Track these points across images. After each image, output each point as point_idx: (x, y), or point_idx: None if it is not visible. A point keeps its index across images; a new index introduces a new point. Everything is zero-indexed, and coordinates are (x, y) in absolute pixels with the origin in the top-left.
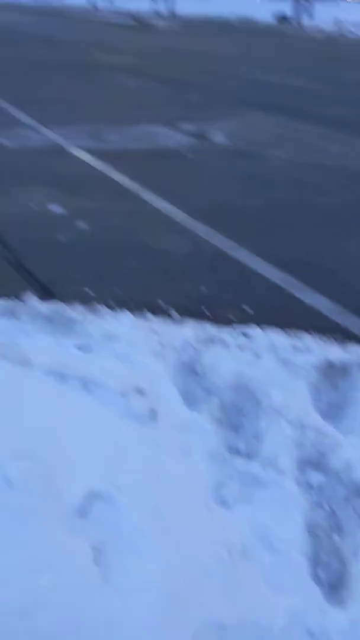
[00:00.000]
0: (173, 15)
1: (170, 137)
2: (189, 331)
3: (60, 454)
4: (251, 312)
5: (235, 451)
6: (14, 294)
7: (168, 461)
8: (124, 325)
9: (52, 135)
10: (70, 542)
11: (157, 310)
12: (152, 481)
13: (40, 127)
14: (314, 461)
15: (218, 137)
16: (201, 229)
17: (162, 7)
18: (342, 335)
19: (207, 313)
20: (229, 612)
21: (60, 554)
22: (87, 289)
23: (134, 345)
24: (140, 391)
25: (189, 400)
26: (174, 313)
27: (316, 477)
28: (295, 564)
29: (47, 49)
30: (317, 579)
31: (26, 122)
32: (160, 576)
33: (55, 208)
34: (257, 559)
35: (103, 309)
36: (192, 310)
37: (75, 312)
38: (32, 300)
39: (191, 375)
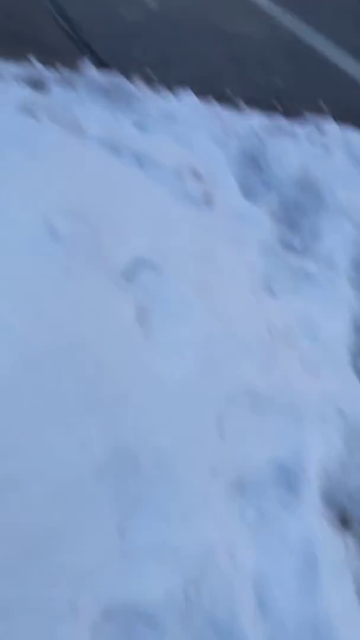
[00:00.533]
0: None
1: None
2: (256, 120)
3: (110, 219)
4: (326, 108)
5: (289, 246)
6: (72, 66)
7: (218, 246)
8: (185, 106)
9: None
10: (115, 300)
11: (223, 99)
12: (200, 260)
13: None
14: None
15: None
16: (282, 16)
17: None
18: None
19: (279, 106)
20: (263, 383)
21: (104, 308)
22: (149, 70)
23: (194, 129)
24: (196, 174)
25: (248, 191)
26: (242, 103)
27: None
28: (336, 354)
29: None
30: (356, 370)
31: None
32: (201, 342)
33: None
34: (298, 345)
35: (164, 90)
36: (263, 101)
37: (134, 88)
38: (91, 72)
39: (253, 166)
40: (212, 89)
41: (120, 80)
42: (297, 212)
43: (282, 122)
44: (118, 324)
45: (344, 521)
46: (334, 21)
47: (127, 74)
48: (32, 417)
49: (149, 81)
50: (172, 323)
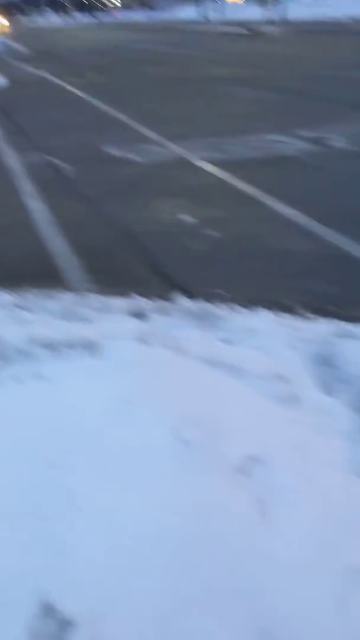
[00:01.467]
0: (285, 21)
1: (289, 145)
2: (323, 326)
3: (221, 424)
4: None
5: None
6: (156, 294)
7: (312, 438)
8: (261, 320)
9: (176, 149)
10: (237, 493)
11: (289, 309)
12: (300, 453)
13: (165, 141)
14: None
15: (338, 142)
16: (325, 232)
17: (273, 14)
18: None
19: (338, 311)
20: None
21: (229, 500)
22: (221, 291)
23: (272, 338)
24: (282, 378)
25: (326, 388)
26: (305, 311)
27: None
28: None
29: (163, 65)
30: None
31: (152, 137)
32: (313, 526)
33: (186, 217)
34: None
35: (241, 308)
36: (323, 308)
37: (219, 309)
38: (182, 300)
39: (327, 366)
40: (276, 300)
41: (204, 304)
42: None
43: (345, 325)
44: (242, 514)
45: None
46: None
47: (209, 297)
48: (187, 603)
49: (223, 300)
50: (286, 510)
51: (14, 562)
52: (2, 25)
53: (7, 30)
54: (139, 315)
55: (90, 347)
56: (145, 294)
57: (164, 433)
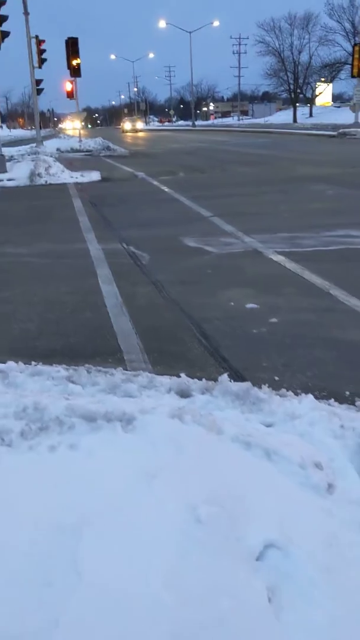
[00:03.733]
0: None
1: None
2: None
3: (242, 505)
4: None
5: None
6: (210, 376)
7: (342, 531)
8: (306, 406)
9: (252, 242)
10: (248, 578)
11: (341, 399)
12: (325, 544)
13: (242, 235)
14: None
15: None
16: None
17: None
18: None
19: None
20: None
21: (239, 585)
22: (275, 377)
23: (314, 425)
24: (318, 466)
25: None
26: (358, 402)
27: None
28: None
29: (249, 165)
30: None
31: (231, 231)
32: (327, 625)
33: (251, 305)
34: None
35: (288, 393)
36: None
37: (262, 392)
38: (225, 381)
39: None
40: (330, 389)
41: (249, 386)
42: None
43: None
44: (251, 602)
45: None
46: None
47: (255, 381)
48: None
49: (274, 385)
50: (301, 604)
51: (11, 624)
52: (134, 127)
53: (138, 132)
54: (182, 393)
55: (125, 421)
56: (199, 376)
57: (180, 510)
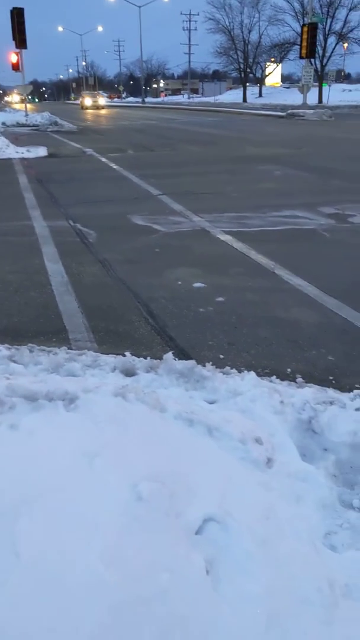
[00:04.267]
0: (321, 105)
1: (309, 220)
2: (309, 393)
3: (184, 482)
4: None
5: (348, 505)
6: (156, 355)
7: (280, 504)
8: (248, 383)
9: (200, 222)
10: (187, 553)
11: (283, 376)
12: (262, 517)
13: (191, 214)
14: None
15: (357, 218)
16: (332, 303)
17: (310, 98)
18: None
19: (333, 381)
20: (325, 638)
21: (178, 560)
22: (220, 355)
23: (256, 401)
24: (258, 441)
25: (305, 454)
26: (299, 379)
27: None
28: None
29: (201, 145)
30: None
31: (179, 210)
32: (264, 595)
33: (198, 284)
34: None
35: (231, 370)
36: (318, 377)
37: (205, 370)
38: (170, 359)
39: (308, 433)
40: (273, 367)
41: (193, 364)
42: (353, 473)
43: (332, 393)
44: (189, 575)
45: None
46: None
47: (200, 359)
48: None
49: (219, 363)
50: (238, 576)
51: None
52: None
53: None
54: (127, 372)
55: (68, 400)
56: (145, 355)
57: (121, 488)
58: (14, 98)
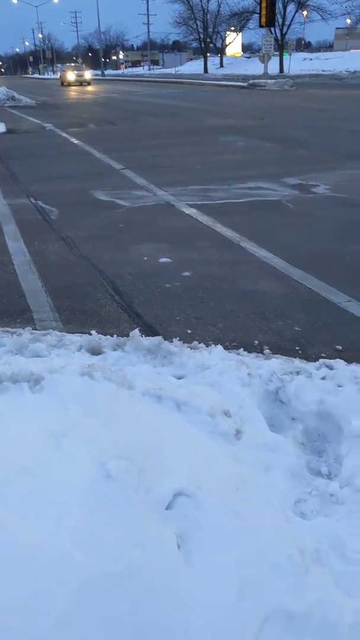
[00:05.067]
0: (282, 74)
1: (273, 191)
2: (276, 364)
3: (153, 458)
4: (340, 349)
5: (316, 472)
6: (123, 333)
7: (249, 475)
8: (215, 357)
9: (164, 195)
10: (158, 528)
11: (250, 348)
12: (233, 489)
13: (155, 188)
14: None
15: (320, 188)
16: (297, 274)
17: (271, 67)
18: None
19: (300, 351)
20: (297, 603)
21: (148, 535)
22: (188, 330)
23: (223, 375)
24: (227, 414)
25: (274, 424)
26: (266, 350)
27: None
28: None
29: (163, 118)
30: None
31: (143, 184)
32: (236, 565)
33: (164, 259)
34: (329, 565)
35: (199, 345)
36: (285, 348)
37: (173, 346)
38: (137, 336)
39: (276, 403)
40: (241, 340)
41: (160, 340)
42: (320, 441)
43: (299, 363)
44: (160, 550)
45: None
46: (352, 278)
47: (168, 334)
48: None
49: (186, 338)
50: (208, 548)
51: None
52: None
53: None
54: (93, 351)
55: (33, 381)
56: (112, 332)
57: (89, 467)
58: None
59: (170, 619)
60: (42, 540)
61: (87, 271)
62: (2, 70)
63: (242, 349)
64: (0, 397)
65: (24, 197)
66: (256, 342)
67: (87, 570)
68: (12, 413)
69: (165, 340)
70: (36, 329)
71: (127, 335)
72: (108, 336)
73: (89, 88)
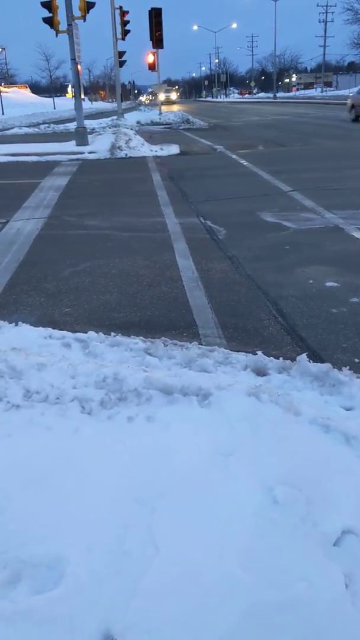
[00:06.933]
0: None
1: None
2: None
3: (320, 489)
4: None
5: None
6: (286, 355)
7: None
8: None
9: (333, 218)
10: (325, 564)
11: None
12: None
13: (323, 211)
14: None
15: None
16: None
17: None
18: None
19: None
20: None
21: (315, 570)
22: (355, 359)
23: None
24: None
25: None
26: None
27: None
28: None
29: (334, 140)
30: None
31: (311, 207)
32: None
33: (331, 283)
34: None
35: None
36: None
37: (342, 375)
38: (304, 361)
39: None
40: None
41: (329, 368)
42: None
43: None
44: (327, 587)
45: None
46: None
47: (334, 362)
48: None
49: (354, 367)
50: None
51: (89, 590)
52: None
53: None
54: (258, 371)
55: (202, 396)
56: (275, 354)
57: (256, 490)
58: (161, 96)
59: None
60: (208, 556)
61: (251, 291)
62: (178, 94)
63: None
64: (170, 408)
65: (194, 216)
66: None
67: (253, 594)
68: (181, 425)
69: (333, 368)
70: (202, 344)
71: (291, 358)
72: (272, 358)
73: (259, 109)
